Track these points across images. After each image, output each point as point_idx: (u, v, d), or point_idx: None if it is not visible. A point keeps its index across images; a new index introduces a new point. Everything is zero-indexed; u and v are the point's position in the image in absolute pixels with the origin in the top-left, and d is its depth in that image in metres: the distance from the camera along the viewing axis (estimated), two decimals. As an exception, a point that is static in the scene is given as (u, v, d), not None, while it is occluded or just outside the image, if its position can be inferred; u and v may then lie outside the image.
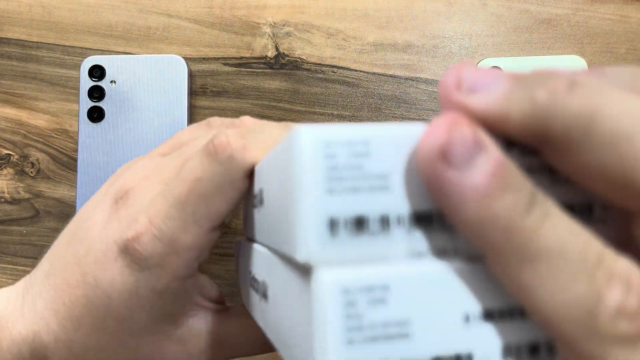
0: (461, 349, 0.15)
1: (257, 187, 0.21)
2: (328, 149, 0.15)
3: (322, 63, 0.37)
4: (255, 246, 0.22)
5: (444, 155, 0.14)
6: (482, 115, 0.15)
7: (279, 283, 0.19)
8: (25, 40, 0.38)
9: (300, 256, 0.15)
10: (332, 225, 0.15)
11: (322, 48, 0.37)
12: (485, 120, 0.15)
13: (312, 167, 0.14)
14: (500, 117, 0.15)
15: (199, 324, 0.27)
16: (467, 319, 0.15)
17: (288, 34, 0.37)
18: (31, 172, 0.37)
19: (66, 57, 0.38)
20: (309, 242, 0.14)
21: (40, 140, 0.37)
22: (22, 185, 0.37)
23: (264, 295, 0.21)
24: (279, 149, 0.17)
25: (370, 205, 0.15)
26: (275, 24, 0.37)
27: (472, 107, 0.15)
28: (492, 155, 0.14)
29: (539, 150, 0.15)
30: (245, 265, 0.26)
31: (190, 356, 0.27)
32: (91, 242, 0.24)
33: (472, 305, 0.15)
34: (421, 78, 0.37)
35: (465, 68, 0.16)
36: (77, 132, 0.36)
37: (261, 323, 0.22)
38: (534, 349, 0.16)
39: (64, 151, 0.37)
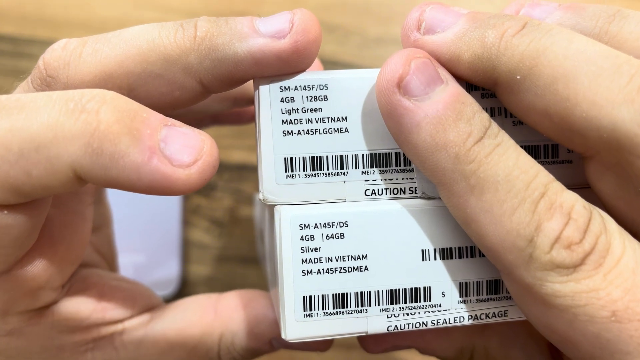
0: (418, 283, 0.16)
1: None
2: (284, 93, 0.16)
3: (322, 59, 0.36)
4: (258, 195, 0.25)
5: (402, 84, 0.14)
6: (435, 55, 0.15)
7: (267, 227, 0.20)
8: (17, 36, 0.37)
9: (262, 193, 0.16)
10: (289, 164, 0.16)
11: (322, 43, 0.36)
12: (438, 59, 0.15)
13: (269, 110, 0.16)
14: (452, 57, 0.15)
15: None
16: (424, 255, 0.16)
17: (287, 29, 0.36)
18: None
19: (59, 53, 0.37)
20: (268, 180, 0.16)
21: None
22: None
23: (262, 240, 0.23)
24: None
25: (328, 146, 0.16)
26: (273, 18, 0.37)
27: (426, 47, 0.15)
28: (449, 87, 0.14)
29: (496, 93, 0.15)
30: (255, 215, 0.28)
31: None
32: None
33: (429, 243, 0.16)
34: (425, 74, 0.36)
35: (428, 8, 0.16)
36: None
37: (267, 269, 0.23)
38: (494, 285, 0.17)
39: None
